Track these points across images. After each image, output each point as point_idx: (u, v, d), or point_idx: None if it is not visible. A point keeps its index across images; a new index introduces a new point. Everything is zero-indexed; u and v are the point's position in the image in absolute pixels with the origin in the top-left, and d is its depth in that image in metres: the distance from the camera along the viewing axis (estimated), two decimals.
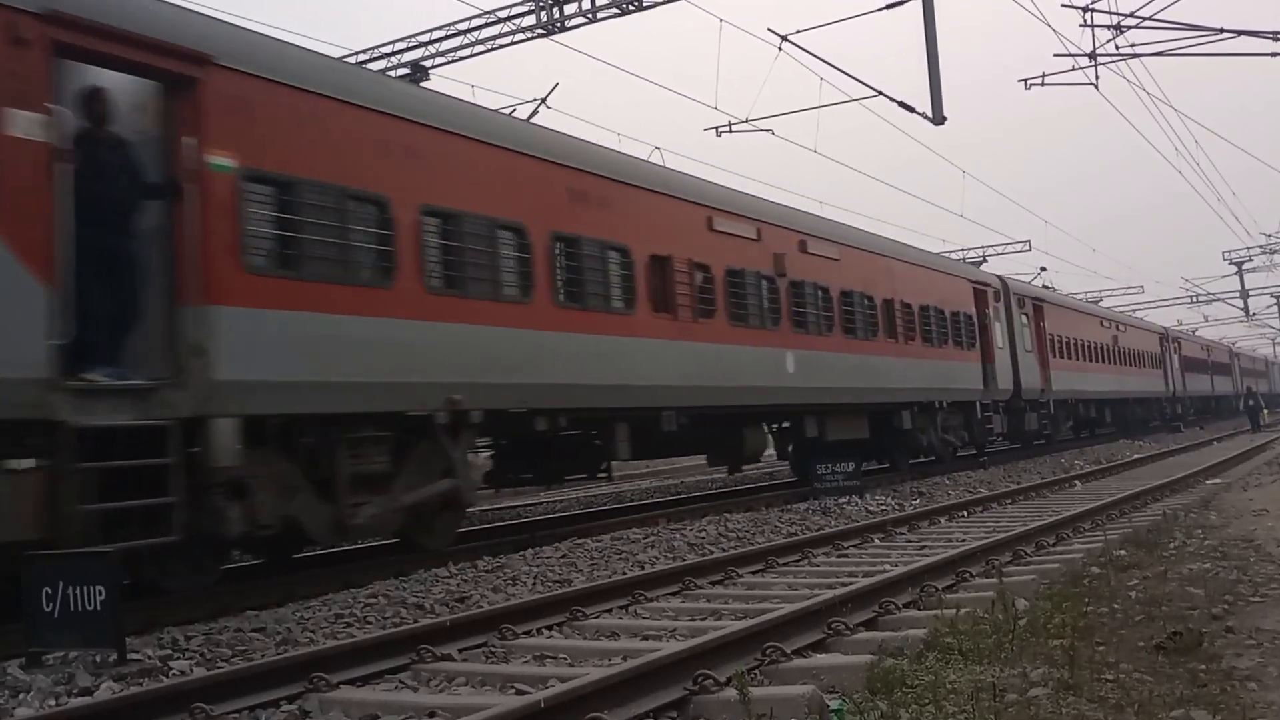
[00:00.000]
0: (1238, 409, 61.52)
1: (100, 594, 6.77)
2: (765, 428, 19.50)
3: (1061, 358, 32.33)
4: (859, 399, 19.72)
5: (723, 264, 15.85)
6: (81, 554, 7.13)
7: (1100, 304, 50.43)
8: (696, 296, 15.12)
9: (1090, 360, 35.83)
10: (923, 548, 11.17)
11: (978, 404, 25.62)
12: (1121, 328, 41.14)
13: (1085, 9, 17.66)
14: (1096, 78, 19.09)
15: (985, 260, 41.38)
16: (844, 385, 19.01)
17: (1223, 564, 8.40)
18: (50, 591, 6.88)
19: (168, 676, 6.54)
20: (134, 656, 6.87)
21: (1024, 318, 29.59)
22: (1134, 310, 57.89)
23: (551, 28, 18.99)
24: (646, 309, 14.07)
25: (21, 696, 6.17)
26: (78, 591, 6.81)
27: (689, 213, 15.44)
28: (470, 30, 19.95)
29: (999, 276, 29.71)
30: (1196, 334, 65.25)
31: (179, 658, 7.03)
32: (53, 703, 6.02)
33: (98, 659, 6.81)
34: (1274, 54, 17.89)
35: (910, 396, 21.68)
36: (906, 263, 22.96)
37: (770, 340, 16.77)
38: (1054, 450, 30.09)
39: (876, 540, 11.95)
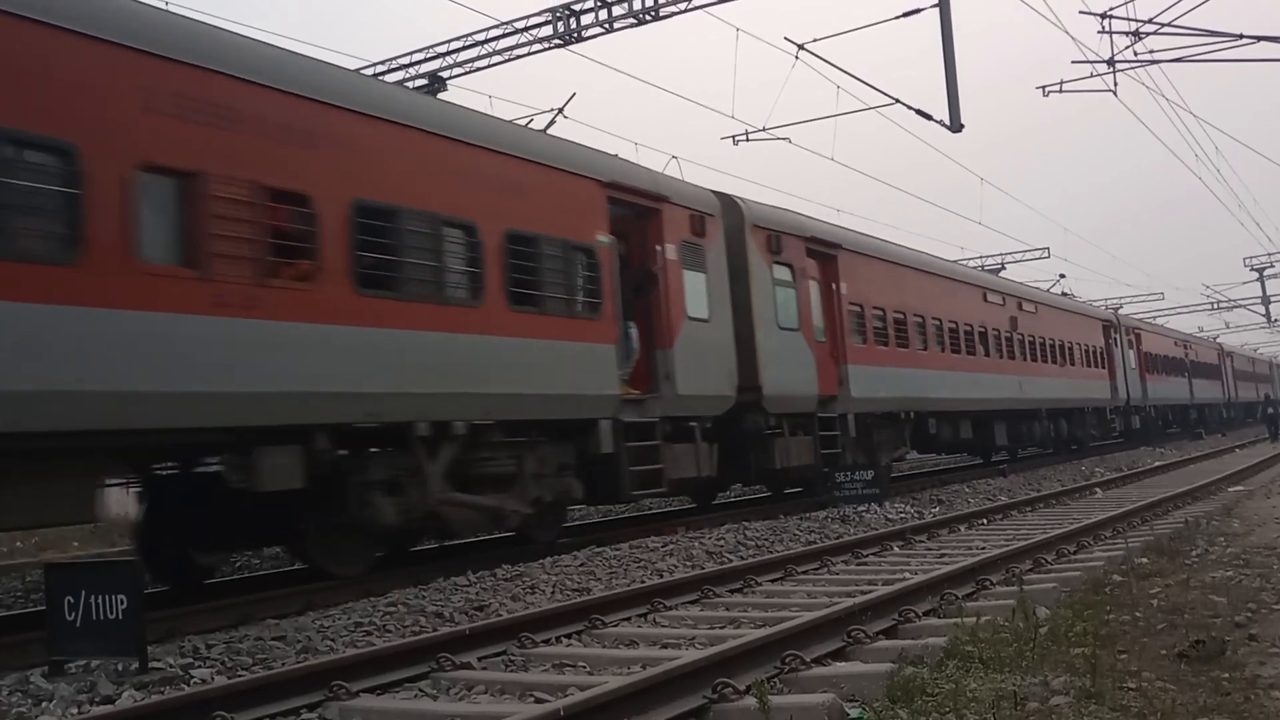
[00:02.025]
0: (1226, 420, 56.32)
1: (122, 603, 6.82)
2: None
3: (872, 343, 19.99)
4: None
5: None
6: (104, 563, 7.21)
7: (1120, 311, 46.98)
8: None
9: (937, 348, 22.97)
10: (942, 555, 11.12)
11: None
12: (1026, 306, 29.35)
13: (1104, 15, 17.60)
14: (1115, 84, 19.02)
15: (1004, 267, 41.21)
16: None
17: (1245, 572, 8.35)
18: (72, 600, 6.93)
19: (189, 685, 6.58)
20: (155, 665, 6.91)
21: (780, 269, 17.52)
22: (1154, 317, 55.16)
23: (569, 38, 19.04)
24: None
25: (44, 705, 6.21)
26: (100, 600, 6.86)
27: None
28: (488, 41, 20.01)
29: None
30: (1167, 326, 52.14)
31: (200, 666, 7.06)
32: (75, 711, 6.07)
33: (119, 667, 6.85)
34: None
35: None
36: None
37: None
38: (1068, 459, 29.97)
39: (896, 548, 11.90)
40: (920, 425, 22.04)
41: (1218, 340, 63.84)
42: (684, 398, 14.37)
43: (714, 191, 16.36)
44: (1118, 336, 37.56)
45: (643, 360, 14.29)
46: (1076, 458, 30.16)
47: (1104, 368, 35.73)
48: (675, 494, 17.82)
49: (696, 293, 14.96)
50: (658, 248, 14.49)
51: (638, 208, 14.40)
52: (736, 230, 16.29)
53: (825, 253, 18.73)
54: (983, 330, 25.76)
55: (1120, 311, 45.09)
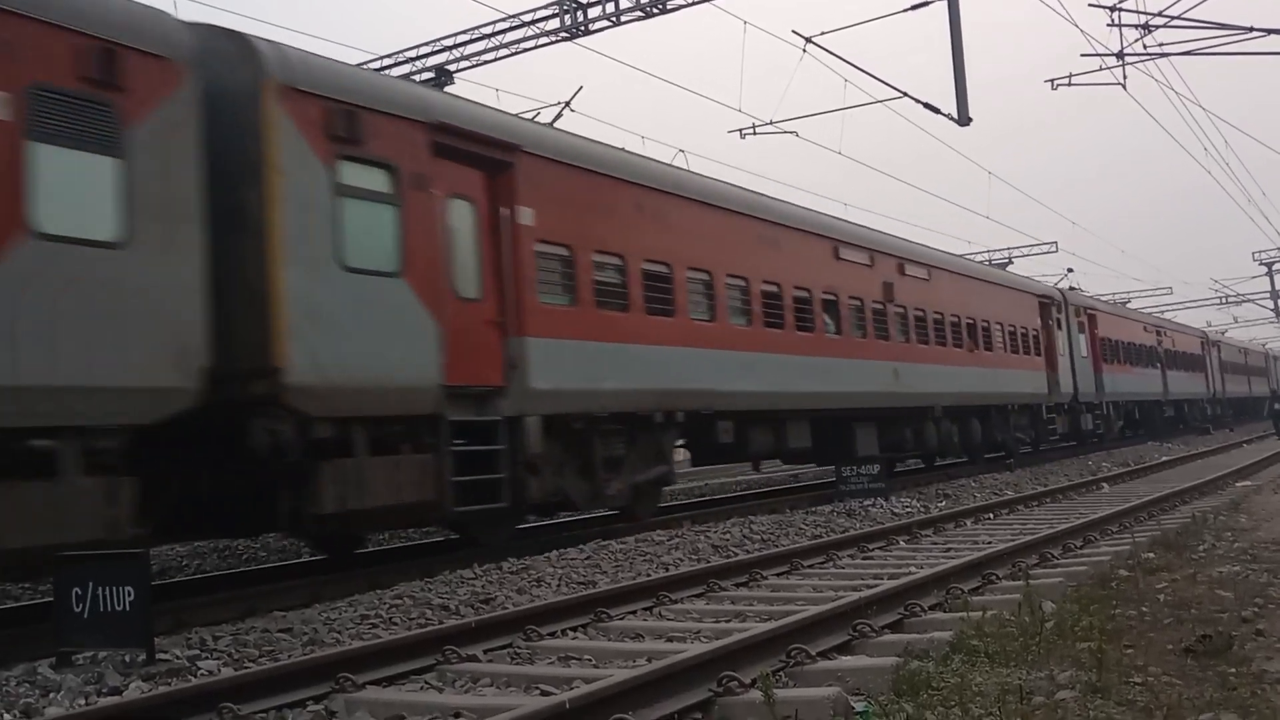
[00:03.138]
0: (1210, 418, 48.11)
1: (129, 595, 6.84)
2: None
3: (590, 306, 13.23)
4: None
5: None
6: (111, 555, 7.20)
7: (1128, 305, 46.48)
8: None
9: (738, 320, 16.33)
10: (948, 550, 11.12)
11: None
12: (912, 270, 21.93)
13: (1113, 9, 17.52)
14: (1124, 77, 18.95)
15: (1011, 262, 41.02)
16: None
17: (1253, 567, 8.33)
18: (80, 592, 6.95)
19: (196, 676, 6.60)
20: (162, 656, 6.93)
21: None
22: (1162, 312, 54.82)
23: (575, 31, 19.03)
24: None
25: (52, 696, 6.23)
26: (107, 592, 6.88)
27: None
28: (494, 34, 20.01)
29: None
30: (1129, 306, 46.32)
31: (207, 658, 7.08)
32: (82, 702, 6.08)
33: (127, 659, 6.87)
34: None
35: None
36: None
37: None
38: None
39: (902, 542, 11.90)
40: (703, 430, 15.25)
41: (1223, 328, 62.98)
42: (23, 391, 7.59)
43: (190, 24, 9.44)
44: (1062, 317, 29.97)
45: None
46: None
47: (1040, 355, 28.24)
48: None
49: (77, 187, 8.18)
50: None
51: None
52: (244, 93, 9.57)
53: (484, 156, 11.83)
54: (831, 298, 18.53)
55: (1069, 290, 38.84)
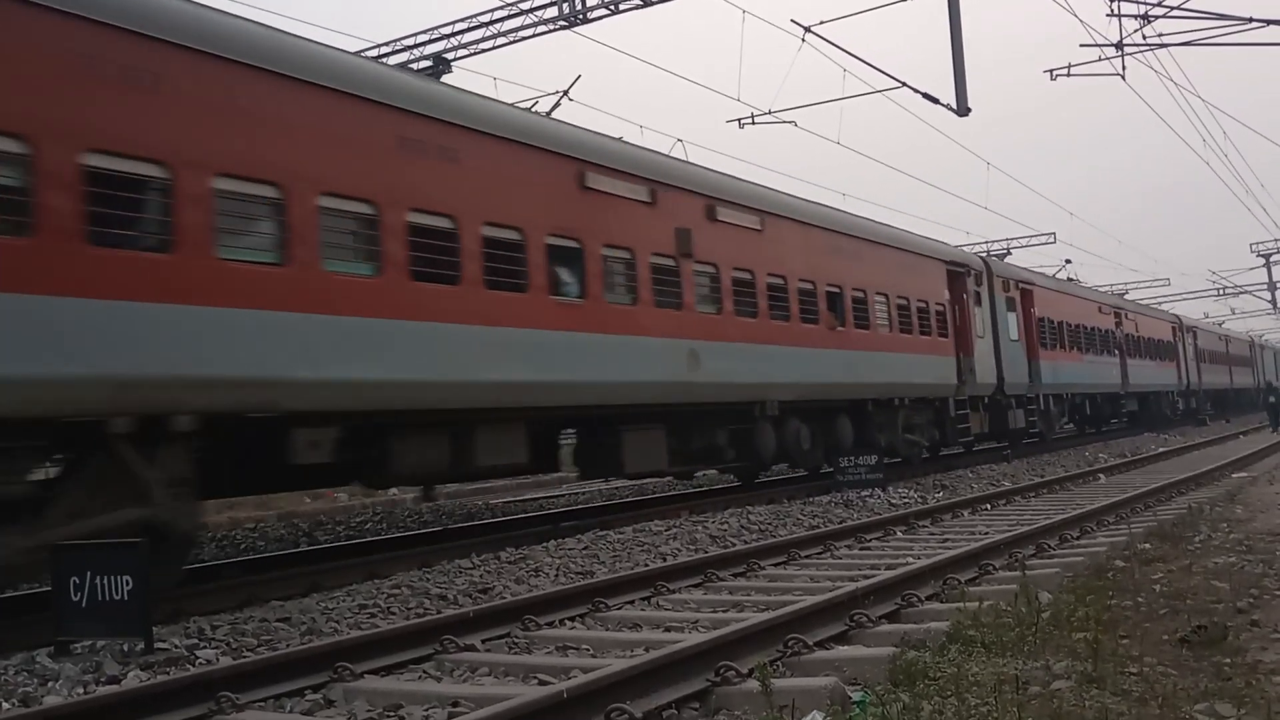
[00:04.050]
0: (1181, 413, 42.18)
1: (128, 583, 6.86)
2: None
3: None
4: None
5: None
6: (109, 544, 7.22)
7: (1125, 297, 44.98)
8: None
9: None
10: (945, 540, 11.14)
11: None
12: (724, 214, 15.63)
13: None
14: (1124, 68, 18.94)
15: (1009, 252, 40.94)
16: None
17: (1248, 558, 8.35)
18: (78, 581, 6.97)
19: (194, 665, 6.62)
20: (161, 645, 6.95)
21: None
22: (1158, 302, 53.58)
23: (573, 19, 18.97)
24: None
25: (50, 685, 6.24)
26: (105, 581, 6.90)
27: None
28: (492, 23, 19.95)
29: None
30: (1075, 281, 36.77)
31: (205, 647, 7.10)
32: (81, 691, 6.10)
33: (125, 648, 6.89)
34: None
35: None
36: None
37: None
38: None
39: (899, 533, 11.92)
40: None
41: (1220, 319, 62.35)
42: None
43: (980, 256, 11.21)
44: (982, 291, 24.10)
45: None
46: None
47: (948, 336, 22.18)
48: None
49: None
50: None
51: None
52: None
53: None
54: (571, 245, 12.76)
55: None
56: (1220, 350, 54.13)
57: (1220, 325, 61.96)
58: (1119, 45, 18.17)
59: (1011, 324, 25.60)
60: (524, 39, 19.98)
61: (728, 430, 15.93)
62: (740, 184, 16.89)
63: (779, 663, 5.75)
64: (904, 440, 20.55)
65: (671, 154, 16.37)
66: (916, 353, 20.94)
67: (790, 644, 5.93)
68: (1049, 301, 28.72)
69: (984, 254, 28.01)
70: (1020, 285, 26.84)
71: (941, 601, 7.45)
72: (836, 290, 18.35)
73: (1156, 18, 17.47)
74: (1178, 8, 17.27)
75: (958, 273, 23.27)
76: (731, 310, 15.58)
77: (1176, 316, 44.18)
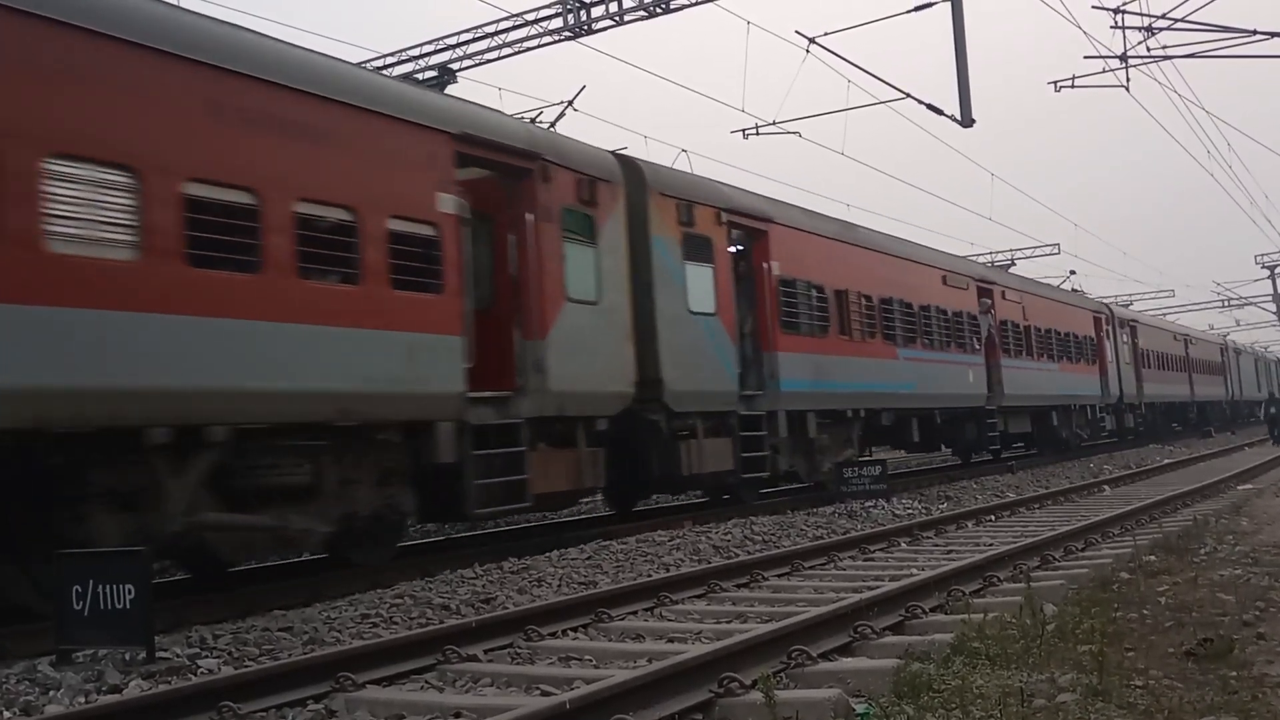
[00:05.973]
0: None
1: (130, 592, 6.84)
2: None
3: None
4: None
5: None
6: (112, 553, 7.22)
7: (1130, 308, 45.48)
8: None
9: None
10: (950, 552, 11.11)
11: None
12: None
13: (1116, 10, 17.51)
14: (1128, 80, 18.93)
15: (1014, 263, 40.98)
16: None
17: (1254, 570, 8.32)
18: (80, 589, 6.95)
19: (196, 675, 6.59)
20: (162, 654, 6.93)
21: None
22: (1163, 314, 54.31)
23: (579, 30, 19.03)
24: None
25: (52, 693, 6.23)
26: (108, 590, 6.88)
27: None
28: (498, 33, 20.01)
29: None
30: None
31: (207, 656, 7.08)
32: (82, 700, 6.08)
33: (127, 657, 6.87)
34: None
35: None
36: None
37: None
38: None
39: (903, 544, 11.89)
40: None
41: (1225, 331, 62.09)
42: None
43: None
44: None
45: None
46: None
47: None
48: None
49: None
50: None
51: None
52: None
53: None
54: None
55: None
56: (1175, 354, 43.55)
57: (1224, 333, 61.70)
58: (1123, 57, 18.19)
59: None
60: (529, 49, 20.06)
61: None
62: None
63: (782, 674, 5.73)
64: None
65: (675, 165, 17.01)
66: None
67: (794, 655, 5.91)
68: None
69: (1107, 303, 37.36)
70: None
71: (946, 613, 7.42)
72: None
73: (1160, 30, 17.50)
74: (1182, 20, 17.30)
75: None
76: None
77: (1105, 305, 35.77)
